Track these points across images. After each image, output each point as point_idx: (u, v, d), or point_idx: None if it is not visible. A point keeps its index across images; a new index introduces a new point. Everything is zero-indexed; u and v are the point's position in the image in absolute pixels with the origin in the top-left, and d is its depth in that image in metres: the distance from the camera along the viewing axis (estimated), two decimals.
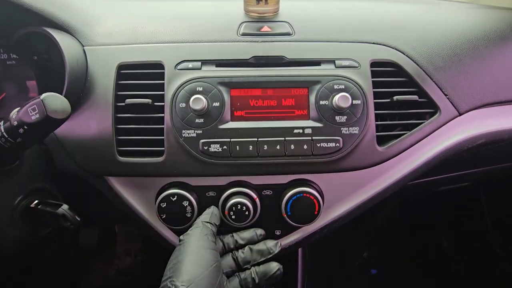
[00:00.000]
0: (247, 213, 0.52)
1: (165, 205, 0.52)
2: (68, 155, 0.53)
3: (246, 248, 0.50)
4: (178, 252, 0.45)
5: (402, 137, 0.54)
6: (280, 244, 0.52)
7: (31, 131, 0.36)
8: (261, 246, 0.51)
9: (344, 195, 0.57)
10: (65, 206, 0.49)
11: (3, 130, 0.37)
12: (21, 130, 0.36)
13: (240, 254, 0.50)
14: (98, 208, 0.64)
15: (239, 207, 0.52)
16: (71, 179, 0.56)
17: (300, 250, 0.82)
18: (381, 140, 0.54)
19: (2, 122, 0.38)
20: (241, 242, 0.52)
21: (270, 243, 0.51)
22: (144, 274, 1.21)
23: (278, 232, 0.57)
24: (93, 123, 0.53)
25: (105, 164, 0.52)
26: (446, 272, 1.29)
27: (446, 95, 0.56)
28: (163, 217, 0.53)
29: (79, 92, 0.53)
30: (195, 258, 0.43)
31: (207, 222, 0.49)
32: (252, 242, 0.52)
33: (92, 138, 0.53)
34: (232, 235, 0.52)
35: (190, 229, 0.49)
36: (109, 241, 1.31)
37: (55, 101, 0.36)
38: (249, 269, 0.49)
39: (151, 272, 1.21)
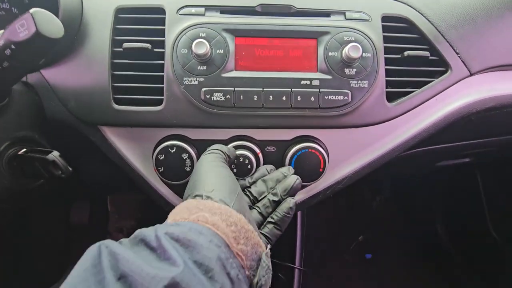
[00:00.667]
0: (249, 166, 0.50)
1: (163, 158, 0.50)
2: (60, 102, 0.50)
3: (259, 181, 0.47)
4: (192, 175, 0.42)
5: (412, 94, 0.52)
6: (293, 169, 0.48)
7: (19, 52, 0.33)
8: (273, 174, 0.48)
9: (349, 154, 0.55)
10: (55, 153, 0.46)
11: None
12: (8, 52, 0.33)
13: (253, 188, 0.46)
14: (91, 165, 0.61)
15: (241, 160, 0.49)
16: (63, 131, 0.52)
17: (299, 216, 0.81)
18: (389, 97, 0.52)
19: None
20: (250, 181, 0.48)
21: (282, 169, 0.48)
22: None
23: None
24: (87, 69, 0.49)
25: (100, 112, 0.49)
26: (441, 258, 1.29)
27: (457, 53, 0.54)
28: (160, 170, 0.50)
29: (73, 35, 0.49)
30: (211, 173, 0.40)
31: (217, 149, 0.46)
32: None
33: (86, 84, 0.49)
34: (244, 178, 0.49)
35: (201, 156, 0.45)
36: (101, 218, 1.27)
37: (46, 16, 0.32)
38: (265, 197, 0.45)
39: None
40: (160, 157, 0.49)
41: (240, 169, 0.49)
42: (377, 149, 0.54)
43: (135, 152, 0.52)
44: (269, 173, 0.49)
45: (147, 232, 0.30)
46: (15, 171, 0.48)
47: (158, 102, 0.49)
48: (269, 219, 0.43)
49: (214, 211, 0.33)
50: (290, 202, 0.43)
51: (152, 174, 0.52)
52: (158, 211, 0.55)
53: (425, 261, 1.32)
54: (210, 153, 0.44)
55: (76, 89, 0.50)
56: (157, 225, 0.32)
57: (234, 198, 0.37)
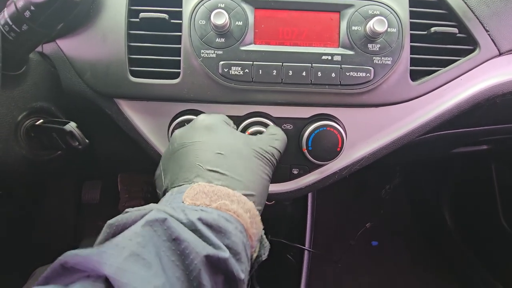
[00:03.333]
0: None
1: None
2: (76, 73, 0.49)
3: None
4: (197, 136, 0.40)
5: (437, 72, 0.50)
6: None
7: (38, 14, 0.32)
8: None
9: (368, 134, 0.53)
10: (73, 124, 0.46)
11: (6, 16, 0.33)
12: (27, 13, 0.32)
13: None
14: (105, 139, 0.61)
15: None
16: (79, 103, 0.52)
17: (310, 198, 0.80)
18: (413, 76, 0.50)
19: (5, 8, 0.34)
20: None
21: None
22: None
23: (295, 171, 0.54)
24: (103, 39, 0.48)
25: (116, 85, 0.49)
26: (448, 247, 1.29)
27: (487, 31, 0.51)
28: None
29: (89, 3, 0.48)
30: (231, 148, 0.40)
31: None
32: None
33: (102, 56, 0.48)
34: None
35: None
36: (111, 198, 1.29)
37: None
38: None
39: None
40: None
41: None
42: (397, 130, 0.53)
43: (151, 127, 0.52)
44: None
45: (172, 212, 0.30)
46: (32, 141, 0.49)
47: (175, 75, 0.48)
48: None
49: (232, 199, 0.34)
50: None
51: None
52: None
53: (432, 250, 1.31)
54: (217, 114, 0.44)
55: (92, 61, 0.49)
56: (175, 205, 0.33)
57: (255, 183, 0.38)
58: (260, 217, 0.37)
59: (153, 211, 0.30)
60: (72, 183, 1.29)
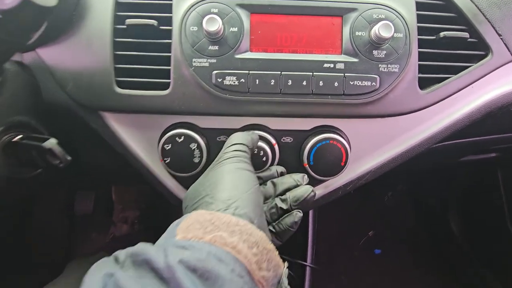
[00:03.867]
0: (264, 159, 0.45)
1: (169, 147, 0.45)
2: (57, 84, 0.46)
3: (268, 182, 0.43)
4: (211, 174, 0.37)
5: (448, 80, 0.47)
6: (308, 178, 0.43)
7: (6, 22, 0.28)
8: (285, 178, 0.43)
9: (373, 147, 0.50)
10: (53, 140, 0.42)
11: None
12: None
13: (261, 188, 0.42)
14: (93, 153, 0.57)
15: (255, 152, 0.45)
16: (62, 116, 0.48)
17: (311, 213, 0.76)
18: (421, 84, 0.47)
19: None
20: (260, 181, 0.44)
21: (296, 175, 0.43)
22: (141, 242, 1.15)
23: None
24: (87, 47, 0.45)
25: (101, 96, 0.45)
26: (454, 255, 1.25)
27: (500, 35, 0.48)
28: (166, 161, 0.46)
29: (72, 9, 0.44)
30: (234, 176, 0.35)
31: (240, 143, 0.40)
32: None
33: (86, 65, 0.45)
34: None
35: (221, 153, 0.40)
36: (105, 207, 1.25)
37: None
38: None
39: (148, 241, 1.15)
40: (167, 146, 0.45)
41: (254, 161, 0.44)
42: (405, 141, 0.49)
43: (139, 141, 0.48)
44: (278, 176, 0.45)
45: (153, 254, 0.25)
46: (10, 159, 0.45)
47: (165, 86, 0.45)
48: (270, 227, 0.39)
49: (232, 229, 0.28)
50: (296, 216, 0.39)
51: (158, 165, 0.48)
52: (163, 203, 0.51)
53: (437, 258, 1.27)
54: (234, 155, 0.38)
55: (75, 70, 0.45)
56: (164, 243, 0.28)
57: (259, 215, 0.32)
58: (276, 253, 0.30)
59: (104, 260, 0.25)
60: (64, 194, 1.25)
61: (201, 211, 0.31)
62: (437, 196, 1.33)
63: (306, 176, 0.44)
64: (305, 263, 0.72)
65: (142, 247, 0.27)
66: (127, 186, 1.18)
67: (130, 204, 1.21)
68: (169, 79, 0.44)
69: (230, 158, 0.38)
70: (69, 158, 0.43)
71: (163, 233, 0.35)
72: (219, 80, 0.43)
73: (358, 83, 0.44)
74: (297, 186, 0.41)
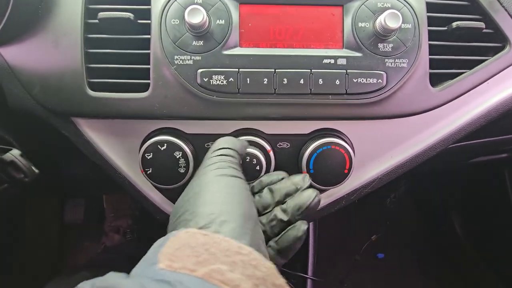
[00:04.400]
0: (258, 167, 0.40)
1: (151, 156, 0.40)
2: (23, 88, 0.40)
3: (265, 189, 0.36)
4: (190, 186, 0.32)
5: (462, 76, 0.42)
6: (310, 178, 0.36)
7: None
8: (282, 183, 0.36)
9: (380, 151, 0.45)
10: (15, 152, 0.37)
11: None
12: None
13: (257, 198, 0.36)
14: (71, 162, 0.52)
15: (247, 160, 0.40)
16: (30, 123, 0.43)
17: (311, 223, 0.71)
18: (432, 81, 0.42)
19: None
20: (258, 188, 0.38)
21: (295, 178, 0.36)
22: (134, 253, 1.10)
23: None
24: (55, 46, 0.39)
25: (72, 100, 0.40)
26: (459, 258, 1.20)
27: None
28: (148, 172, 0.40)
29: (36, 2, 0.39)
30: (218, 186, 0.30)
31: (227, 148, 0.35)
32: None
33: (54, 66, 0.39)
34: (248, 183, 0.37)
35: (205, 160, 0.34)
36: (96, 217, 1.19)
37: None
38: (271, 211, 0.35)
39: (141, 251, 1.10)
40: (148, 155, 0.40)
41: (246, 171, 0.39)
42: (415, 145, 0.44)
43: (118, 150, 0.43)
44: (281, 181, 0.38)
45: None
46: None
47: (144, 88, 0.39)
48: (272, 243, 0.33)
49: (232, 259, 0.22)
50: (299, 229, 0.33)
51: (140, 177, 0.43)
52: None
53: (442, 262, 1.23)
54: (219, 160, 0.33)
55: (42, 72, 0.40)
56: (142, 272, 0.22)
57: (251, 230, 0.27)
58: None
59: None
60: (53, 203, 1.19)
61: (193, 230, 0.25)
62: (440, 197, 1.29)
63: (307, 176, 0.36)
64: (306, 276, 0.67)
65: (113, 282, 0.21)
66: (119, 194, 1.12)
67: (122, 212, 1.15)
68: (148, 79, 0.39)
69: (213, 164, 0.32)
70: (36, 171, 0.38)
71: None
72: (205, 79, 0.38)
73: (362, 80, 0.39)
74: (297, 190, 0.35)
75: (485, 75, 0.42)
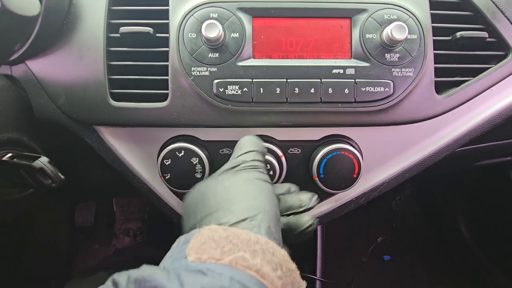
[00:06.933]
0: (271, 172, 0.42)
1: (169, 162, 0.42)
2: (49, 98, 0.43)
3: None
4: (224, 183, 0.32)
5: (466, 83, 0.44)
6: (318, 199, 0.37)
7: None
8: (290, 196, 0.37)
9: (388, 156, 0.46)
10: (44, 159, 0.39)
11: None
12: None
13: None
14: (91, 168, 0.54)
15: None
16: (55, 131, 0.46)
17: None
18: (437, 88, 0.44)
19: None
20: None
21: (303, 195, 0.36)
22: (144, 255, 1.13)
23: None
24: (79, 59, 0.42)
25: (95, 110, 0.42)
26: (465, 259, 1.20)
27: None
28: (166, 177, 0.43)
29: (61, 18, 0.42)
30: (254, 187, 0.31)
31: (255, 151, 0.35)
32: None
33: (78, 77, 0.42)
34: None
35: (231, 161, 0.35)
36: (106, 219, 1.22)
37: None
38: None
39: (151, 253, 1.13)
40: (166, 162, 0.42)
41: None
42: (421, 150, 0.46)
43: (137, 156, 0.45)
44: (289, 194, 0.39)
45: (164, 281, 0.21)
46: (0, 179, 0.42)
47: (163, 97, 0.42)
48: None
49: (253, 248, 0.24)
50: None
51: (158, 181, 0.45)
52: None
53: (448, 263, 1.23)
54: (252, 166, 0.33)
55: (66, 83, 0.42)
56: (175, 266, 0.24)
57: (279, 229, 0.29)
58: (298, 273, 0.26)
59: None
60: (65, 206, 1.22)
61: (214, 227, 0.27)
62: (445, 200, 1.29)
63: (315, 197, 0.36)
64: (315, 277, 0.68)
65: (149, 272, 0.23)
66: (129, 198, 1.15)
67: (132, 215, 1.18)
68: (167, 90, 0.41)
69: (247, 167, 0.33)
70: (62, 177, 0.40)
71: (168, 245, 0.31)
72: (221, 89, 0.40)
73: (371, 89, 0.41)
74: (300, 207, 0.35)
75: (489, 82, 0.44)
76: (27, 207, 0.52)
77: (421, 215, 1.36)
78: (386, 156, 0.46)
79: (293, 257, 0.34)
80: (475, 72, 0.44)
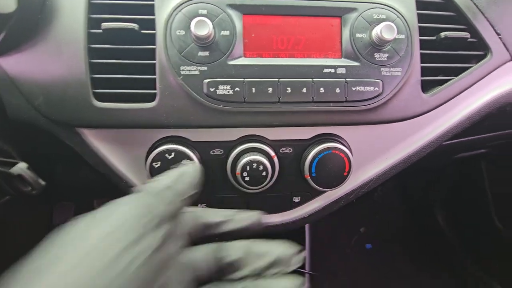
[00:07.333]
0: (264, 173, 0.42)
1: (159, 165, 0.41)
2: (24, 98, 0.40)
3: (239, 245, 0.27)
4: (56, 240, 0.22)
5: (450, 82, 0.45)
6: (305, 257, 0.28)
7: None
8: (257, 245, 0.27)
9: (376, 154, 0.47)
10: (22, 165, 0.37)
11: None
12: None
13: (225, 249, 0.27)
14: (73, 171, 0.52)
15: (254, 166, 0.41)
16: (31, 134, 0.43)
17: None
18: (424, 87, 0.45)
19: None
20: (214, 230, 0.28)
21: (278, 247, 0.26)
22: None
23: (297, 199, 0.47)
24: (58, 55, 0.39)
25: (77, 111, 0.39)
26: (442, 247, 1.28)
27: (498, 34, 0.47)
28: None
29: (37, 12, 0.39)
30: (91, 250, 0.20)
31: (154, 187, 0.25)
32: (232, 231, 0.28)
33: (58, 76, 0.39)
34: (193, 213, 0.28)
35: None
36: None
37: None
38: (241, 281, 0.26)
39: None
40: (156, 164, 0.41)
41: (253, 177, 0.41)
42: (407, 147, 0.47)
43: (125, 159, 0.43)
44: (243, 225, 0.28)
45: None
46: None
47: (150, 98, 0.40)
48: None
49: None
50: None
51: None
52: None
53: (426, 251, 1.30)
54: (133, 198, 0.23)
55: (44, 82, 0.39)
56: None
57: None
58: None
59: None
60: (42, 205, 1.16)
61: None
62: (424, 191, 1.36)
63: (295, 250, 0.27)
64: (304, 271, 0.70)
65: None
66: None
67: None
68: (154, 89, 0.40)
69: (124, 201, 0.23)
70: (43, 183, 0.38)
71: None
72: (212, 89, 0.39)
73: (361, 88, 0.41)
74: (279, 265, 0.24)
75: (470, 81, 0.46)
76: (3, 214, 0.49)
77: (402, 206, 1.43)
78: (374, 154, 0.47)
79: None
80: (458, 71, 0.46)
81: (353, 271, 1.21)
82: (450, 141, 0.55)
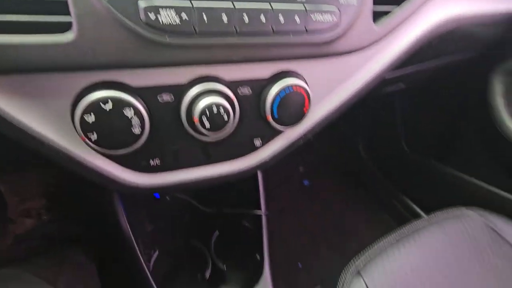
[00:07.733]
0: (226, 118, 0.37)
1: (93, 119, 0.32)
2: None
3: None
4: None
5: (392, 12, 0.46)
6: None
7: None
8: None
9: (330, 89, 0.47)
10: None
11: None
12: None
13: None
14: None
15: (215, 111, 0.36)
16: None
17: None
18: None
19: None
20: None
21: None
22: (55, 233, 0.95)
23: (258, 142, 0.45)
24: None
25: None
26: (366, 176, 1.50)
27: None
28: (93, 138, 0.33)
29: None
30: None
31: None
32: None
33: None
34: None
35: None
36: None
37: None
38: None
39: (71, 230, 0.97)
40: (88, 117, 0.32)
41: (214, 121, 0.37)
42: (357, 80, 0.48)
43: (40, 115, 0.33)
44: None
45: None
46: None
47: (64, 26, 0.29)
48: None
49: None
50: None
51: (79, 145, 0.35)
52: (76, 180, 0.39)
53: (355, 182, 1.51)
54: None
55: None
56: None
57: None
58: None
59: None
60: None
61: None
62: (349, 128, 1.53)
63: None
64: (260, 213, 0.72)
65: None
66: (21, 172, 0.92)
67: (30, 192, 0.96)
68: (69, 13, 0.29)
69: None
70: None
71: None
72: (151, 16, 0.31)
73: (319, 17, 0.38)
74: None
75: (411, 9, 0.48)
76: None
77: (330, 144, 1.59)
78: (328, 89, 0.47)
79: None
80: (399, 1, 0.47)
81: (296, 204, 1.34)
82: (391, 74, 0.59)
